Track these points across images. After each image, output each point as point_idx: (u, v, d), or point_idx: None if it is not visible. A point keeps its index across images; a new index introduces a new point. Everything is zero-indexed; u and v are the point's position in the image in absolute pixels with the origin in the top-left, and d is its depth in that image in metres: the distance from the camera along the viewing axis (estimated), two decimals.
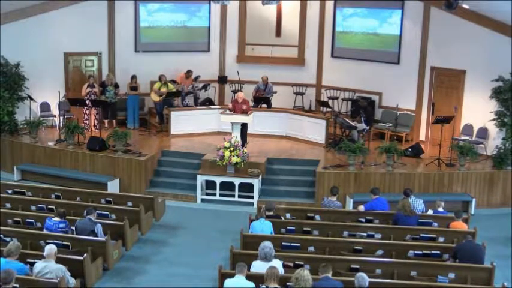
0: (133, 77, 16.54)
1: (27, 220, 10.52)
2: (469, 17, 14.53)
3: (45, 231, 9.80)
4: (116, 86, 16.31)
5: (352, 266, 9.02)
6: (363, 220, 10.92)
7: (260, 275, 7.84)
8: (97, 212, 10.34)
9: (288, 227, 10.42)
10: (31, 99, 15.35)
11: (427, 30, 15.63)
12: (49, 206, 11.17)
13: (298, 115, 16.15)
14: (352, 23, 17.38)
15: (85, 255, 9.00)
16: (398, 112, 15.77)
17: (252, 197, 13.33)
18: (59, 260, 8.44)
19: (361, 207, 11.06)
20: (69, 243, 9.47)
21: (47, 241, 9.18)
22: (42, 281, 8.08)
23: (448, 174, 13.42)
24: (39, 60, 15.74)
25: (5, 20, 15.19)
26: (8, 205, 11.34)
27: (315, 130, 15.41)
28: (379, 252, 9.66)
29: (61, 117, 15.65)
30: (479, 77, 14.54)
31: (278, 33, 18.47)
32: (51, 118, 16.31)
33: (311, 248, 9.73)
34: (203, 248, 10.92)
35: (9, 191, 12.02)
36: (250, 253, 9.03)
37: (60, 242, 9.35)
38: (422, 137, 15.90)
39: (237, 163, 13.29)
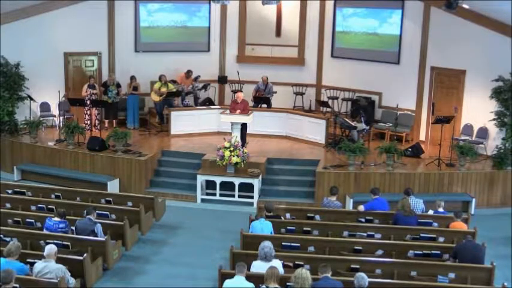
0: (133, 78, 16.54)
1: (27, 220, 10.52)
2: (469, 17, 14.53)
3: (45, 231, 9.80)
4: (118, 85, 16.33)
5: (352, 266, 9.01)
6: (363, 220, 10.91)
7: (260, 275, 7.84)
8: (97, 212, 10.34)
9: (288, 227, 10.42)
10: (31, 99, 15.34)
11: (427, 30, 15.63)
12: (49, 206, 11.17)
13: (298, 115, 16.14)
14: (352, 23, 17.38)
15: (85, 255, 9.00)
16: (398, 112, 15.78)
17: (252, 197, 13.33)
18: (59, 260, 8.44)
19: (361, 207, 11.06)
20: (69, 243, 9.47)
21: (47, 241, 9.18)
22: (42, 281, 8.08)
23: (448, 174, 13.42)
24: (39, 60, 15.74)
25: (5, 20, 15.19)
26: (8, 205, 11.34)
27: (315, 130, 15.41)
28: (379, 252, 9.66)
29: (61, 117, 15.65)
30: (479, 77, 14.53)
31: (278, 33, 18.45)
32: (51, 118, 16.32)
33: (311, 248, 9.73)
34: (203, 248, 10.92)
35: (9, 191, 12.02)
36: (250, 253, 9.03)
37: (60, 242, 9.35)
38: (422, 137, 15.89)
39: (237, 163, 13.29)
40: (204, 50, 18.12)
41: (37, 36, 15.79)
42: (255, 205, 13.01)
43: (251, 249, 9.22)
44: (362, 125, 14.87)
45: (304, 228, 10.46)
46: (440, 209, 10.96)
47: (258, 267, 8.28)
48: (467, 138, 14.63)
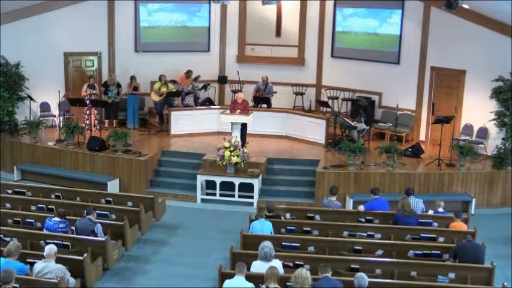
0: (132, 78, 16.54)
1: (27, 220, 10.52)
2: (469, 17, 14.53)
3: (45, 231, 9.80)
4: (118, 85, 16.34)
5: (352, 266, 9.02)
6: (363, 220, 10.91)
7: (260, 275, 7.84)
8: (97, 212, 10.34)
9: (288, 227, 10.42)
10: (31, 99, 15.35)
11: (427, 30, 15.63)
12: (49, 206, 11.17)
13: (298, 115, 16.14)
14: (352, 23, 17.38)
15: (85, 255, 9.00)
16: (398, 112, 15.78)
17: (252, 197, 13.33)
18: (59, 260, 8.44)
19: (361, 207, 11.06)
20: (69, 243, 9.47)
21: (47, 241, 9.18)
22: (42, 281, 8.08)
23: (448, 174, 13.42)
24: (39, 60, 15.74)
25: (5, 20, 15.18)
26: (8, 205, 11.34)
27: (315, 130, 15.41)
28: (379, 252, 9.66)
29: (61, 117, 15.65)
30: (479, 77, 14.53)
31: (278, 33, 18.44)
32: (51, 118, 16.31)
33: (311, 248, 9.73)
34: (203, 248, 10.92)
35: (9, 191, 12.02)
36: (250, 253, 9.03)
37: (60, 242, 9.35)
38: (422, 137, 15.90)
39: (237, 163, 13.29)
40: (204, 50, 18.12)
41: (37, 36, 15.79)
42: (255, 205, 13.01)
43: (251, 249, 9.21)
44: (362, 125, 14.87)
45: (304, 228, 10.46)
46: (440, 209, 10.96)
47: (258, 267, 8.28)
48: (467, 138, 14.63)
